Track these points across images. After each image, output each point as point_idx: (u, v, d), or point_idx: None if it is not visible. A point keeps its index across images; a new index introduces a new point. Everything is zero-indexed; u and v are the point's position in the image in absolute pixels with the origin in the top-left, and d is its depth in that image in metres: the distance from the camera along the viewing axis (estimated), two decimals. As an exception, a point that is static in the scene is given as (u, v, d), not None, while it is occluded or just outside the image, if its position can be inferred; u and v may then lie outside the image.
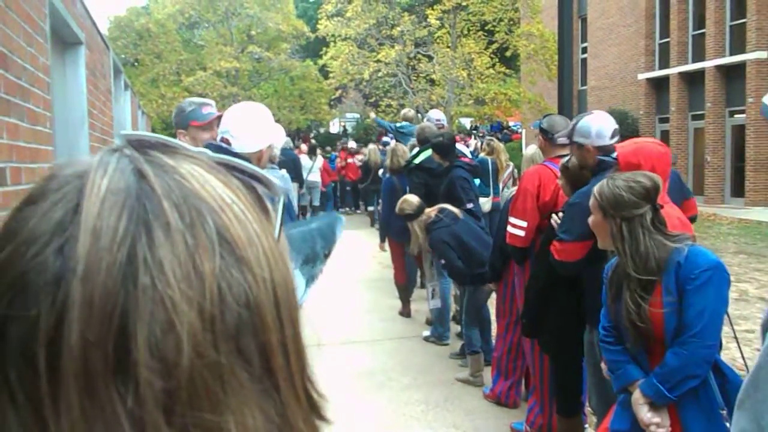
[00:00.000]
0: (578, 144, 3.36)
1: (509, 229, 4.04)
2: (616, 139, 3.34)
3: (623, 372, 2.43)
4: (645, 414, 2.32)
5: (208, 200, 0.42)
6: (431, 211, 5.22)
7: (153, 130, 20.08)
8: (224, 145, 2.52)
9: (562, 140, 3.58)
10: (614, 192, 2.35)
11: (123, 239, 0.39)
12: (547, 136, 4.18)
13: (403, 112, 9.41)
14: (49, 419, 0.37)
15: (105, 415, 0.37)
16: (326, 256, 1.41)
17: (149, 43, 25.26)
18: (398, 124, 8.65)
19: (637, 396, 2.35)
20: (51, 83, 3.30)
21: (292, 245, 1.33)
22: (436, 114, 7.67)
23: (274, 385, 0.43)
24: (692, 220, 3.67)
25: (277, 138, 2.75)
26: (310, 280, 1.38)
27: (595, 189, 2.47)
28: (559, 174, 3.65)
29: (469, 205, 5.43)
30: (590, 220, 2.54)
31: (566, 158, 3.62)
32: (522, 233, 3.92)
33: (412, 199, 5.46)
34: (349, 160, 17.86)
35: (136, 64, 25.91)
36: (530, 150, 5.03)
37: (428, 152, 6.04)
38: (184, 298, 0.39)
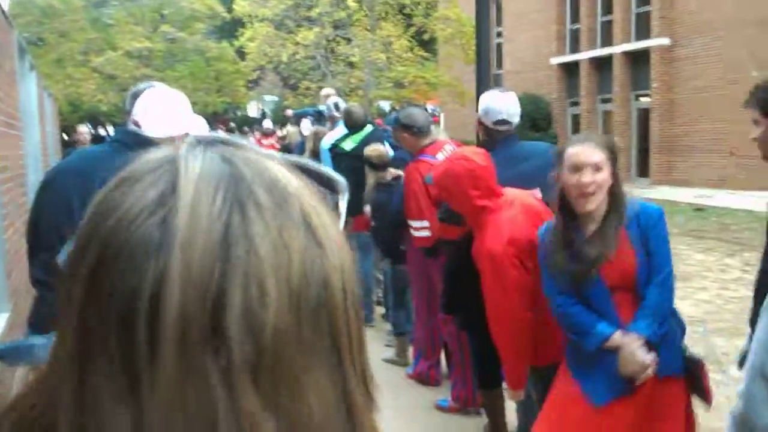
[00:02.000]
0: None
1: (413, 233, 4.10)
2: (500, 128, 3.43)
3: (598, 330, 2.41)
4: (645, 356, 2.32)
5: (290, 188, 0.46)
6: (391, 174, 5.16)
7: (60, 113, 19.16)
8: (134, 128, 2.48)
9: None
10: None
11: (219, 214, 0.42)
12: (412, 131, 4.22)
13: (322, 92, 9.26)
14: (143, 381, 0.40)
15: (198, 377, 0.40)
16: None
17: (54, 21, 23.98)
18: (320, 107, 8.54)
19: (628, 341, 2.34)
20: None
21: None
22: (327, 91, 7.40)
23: (339, 361, 0.47)
24: None
25: (193, 127, 2.70)
26: None
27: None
28: (432, 165, 3.76)
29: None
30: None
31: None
32: (427, 233, 4.00)
33: (383, 151, 5.33)
34: (265, 142, 16.13)
35: (40, 43, 24.56)
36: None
37: (359, 137, 5.96)
38: (273, 271, 0.42)
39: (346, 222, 4.30)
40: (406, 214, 4.11)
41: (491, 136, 3.40)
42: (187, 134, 2.66)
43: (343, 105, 7.17)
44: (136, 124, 2.48)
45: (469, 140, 5.63)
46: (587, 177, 2.38)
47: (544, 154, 3.35)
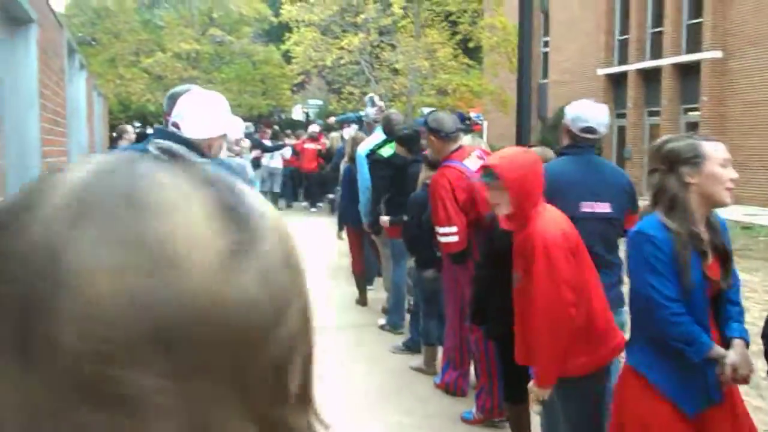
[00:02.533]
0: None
1: (441, 239, 4.08)
2: (586, 135, 3.49)
3: (704, 339, 2.39)
4: (751, 360, 2.42)
5: (153, 205, 0.40)
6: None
7: (110, 112, 19.65)
8: (174, 129, 2.51)
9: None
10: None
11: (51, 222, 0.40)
12: (439, 135, 4.20)
13: (366, 98, 9.31)
14: None
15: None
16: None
17: (107, 21, 24.63)
18: (362, 112, 8.60)
19: (740, 348, 2.41)
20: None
21: None
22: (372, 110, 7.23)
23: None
24: None
25: (232, 129, 2.74)
26: None
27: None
28: (459, 170, 3.78)
29: None
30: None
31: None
32: (455, 238, 3.97)
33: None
34: (308, 146, 15.70)
35: (93, 43, 25.26)
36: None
37: (395, 145, 5.94)
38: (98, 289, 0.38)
39: (380, 228, 4.25)
40: (434, 220, 4.09)
41: (575, 142, 3.48)
42: (224, 135, 2.70)
43: (378, 101, 7.17)
44: (176, 125, 2.52)
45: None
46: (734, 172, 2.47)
47: (619, 176, 3.63)
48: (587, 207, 3.29)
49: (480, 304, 3.61)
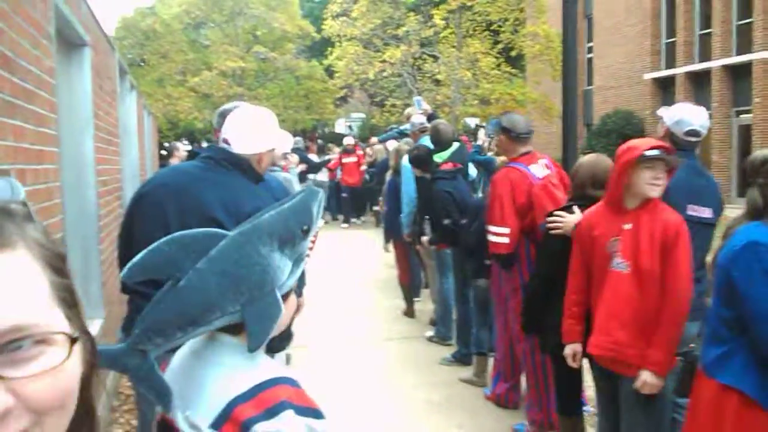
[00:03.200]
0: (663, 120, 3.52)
1: (491, 238, 4.03)
2: (690, 139, 3.43)
3: None
4: None
5: None
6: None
7: (159, 130, 20.12)
8: (225, 145, 2.55)
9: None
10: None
11: None
12: (510, 135, 4.17)
13: (407, 111, 9.33)
14: None
15: None
16: (305, 232, 1.39)
17: (155, 43, 25.32)
18: (402, 127, 8.61)
19: None
20: (56, 85, 3.32)
21: (264, 230, 1.32)
22: (417, 118, 7.14)
23: None
24: None
25: (281, 143, 2.77)
26: (298, 260, 1.38)
27: None
28: (523, 173, 3.71)
29: (446, 221, 5.36)
30: None
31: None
32: (506, 240, 3.92)
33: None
34: (345, 160, 15.11)
35: (142, 64, 25.99)
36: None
37: (445, 155, 5.84)
38: None
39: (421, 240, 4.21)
40: (488, 218, 4.06)
41: (679, 146, 3.37)
42: (273, 150, 2.73)
43: (425, 104, 7.16)
44: (226, 141, 2.56)
45: (555, 157, 5.48)
46: None
47: (714, 182, 3.57)
48: (692, 211, 3.22)
49: (532, 313, 3.56)
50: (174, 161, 8.13)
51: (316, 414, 1.26)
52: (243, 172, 2.52)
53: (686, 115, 3.45)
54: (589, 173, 3.38)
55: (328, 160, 15.26)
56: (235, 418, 1.22)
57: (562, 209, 3.44)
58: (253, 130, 2.58)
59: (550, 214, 3.48)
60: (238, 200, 2.40)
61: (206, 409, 1.27)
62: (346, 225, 14.89)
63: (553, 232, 3.38)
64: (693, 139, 3.43)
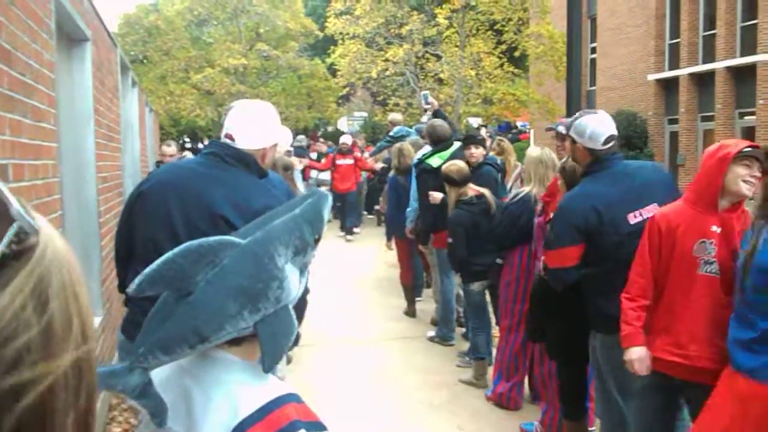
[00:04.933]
0: (572, 140, 3.32)
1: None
2: (609, 145, 3.23)
3: None
4: None
5: None
6: (472, 190, 5.06)
7: (161, 127, 20.11)
8: (228, 141, 2.50)
9: (561, 128, 3.55)
10: None
11: None
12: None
13: (390, 116, 9.26)
14: None
15: None
16: (316, 241, 1.33)
17: (158, 40, 25.27)
18: (391, 133, 8.54)
19: None
20: (56, 80, 3.29)
21: (280, 240, 1.23)
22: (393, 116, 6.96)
23: None
24: None
25: (282, 139, 2.73)
26: (303, 269, 1.30)
27: None
28: (558, 175, 3.62)
29: (449, 241, 5.25)
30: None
31: (564, 158, 3.61)
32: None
33: (462, 167, 5.18)
34: (340, 162, 12.68)
35: (144, 61, 25.96)
36: (535, 151, 4.62)
37: (446, 154, 5.85)
38: None
39: (429, 238, 4.21)
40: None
41: (600, 159, 3.20)
42: (276, 145, 2.69)
43: (431, 99, 7.10)
44: (229, 137, 2.51)
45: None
46: None
47: (654, 171, 3.33)
48: (634, 217, 3.07)
49: (538, 321, 3.54)
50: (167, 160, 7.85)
51: (322, 428, 1.21)
52: (247, 168, 2.47)
53: (596, 125, 3.23)
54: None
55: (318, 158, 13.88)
56: None
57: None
58: (257, 126, 2.54)
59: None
60: (247, 196, 2.34)
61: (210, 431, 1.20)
62: (343, 234, 12.83)
63: None
64: (612, 144, 3.24)
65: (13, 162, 2.41)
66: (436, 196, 5.49)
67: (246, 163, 2.46)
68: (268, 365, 1.21)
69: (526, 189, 4.52)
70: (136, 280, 1.15)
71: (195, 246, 1.19)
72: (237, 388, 1.21)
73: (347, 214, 12.84)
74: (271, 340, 1.20)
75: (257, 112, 2.59)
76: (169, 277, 1.17)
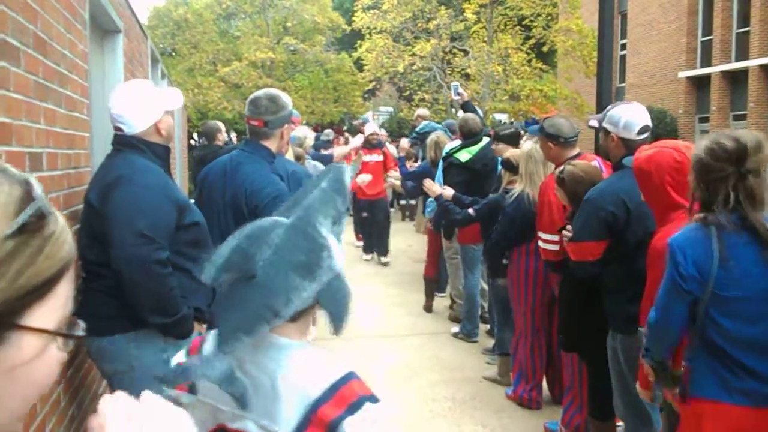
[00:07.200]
0: (605, 130, 3.29)
1: (541, 244, 3.95)
2: (644, 136, 3.22)
3: None
4: None
5: None
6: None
7: (188, 120, 20.25)
8: (119, 133, 2.58)
9: (593, 122, 3.49)
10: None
11: None
12: (557, 141, 4.03)
13: (418, 111, 9.24)
14: None
15: None
16: (346, 210, 1.42)
17: (186, 32, 25.46)
18: (417, 128, 8.53)
19: None
20: (89, 70, 3.32)
21: (319, 211, 1.33)
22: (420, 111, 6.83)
23: None
24: None
25: (172, 101, 2.72)
26: (339, 238, 1.39)
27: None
28: (555, 185, 3.59)
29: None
30: None
31: (559, 169, 3.58)
32: (556, 247, 3.83)
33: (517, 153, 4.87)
34: (367, 158, 9.65)
35: (173, 53, 26.17)
36: (525, 146, 4.50)
37: (475, 149, 5.82)
38: None
39: (453, 233, 4.19)
40: (538, 225, 3.97)
41: (634, 149, 3.12)
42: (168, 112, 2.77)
43: (461, 90, 7.05)
44: (119, 129, 2.63)
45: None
46: None
47: None
48: None
49: (569, 328, 3.50)
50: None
51: (377, 400, 1.33)
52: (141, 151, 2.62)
53: (630, 115, 3.21)
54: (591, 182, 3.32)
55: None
56: (321, 420, 1.26)
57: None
58: (140, 105, 2.62)
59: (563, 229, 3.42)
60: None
61: (282, 414, 1.27)
62: (369, 257, 10.01)
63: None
64: (647, 134, 3.22)
65: (48, 151, 2.44)
66: (435, 189, 5.37)
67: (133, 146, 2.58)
68: (337, 327, 1.31)
69: (518, 188, 4.51)
70: (212, 269, 1.25)
71: (256, 229, 1.30)
72: (302, 370, 1.31)
73: (376, 234, 9.84)
74: (334, 304, 1.31)
75: (134, 92, 2.64)
76: (239, 262, 1.26)
